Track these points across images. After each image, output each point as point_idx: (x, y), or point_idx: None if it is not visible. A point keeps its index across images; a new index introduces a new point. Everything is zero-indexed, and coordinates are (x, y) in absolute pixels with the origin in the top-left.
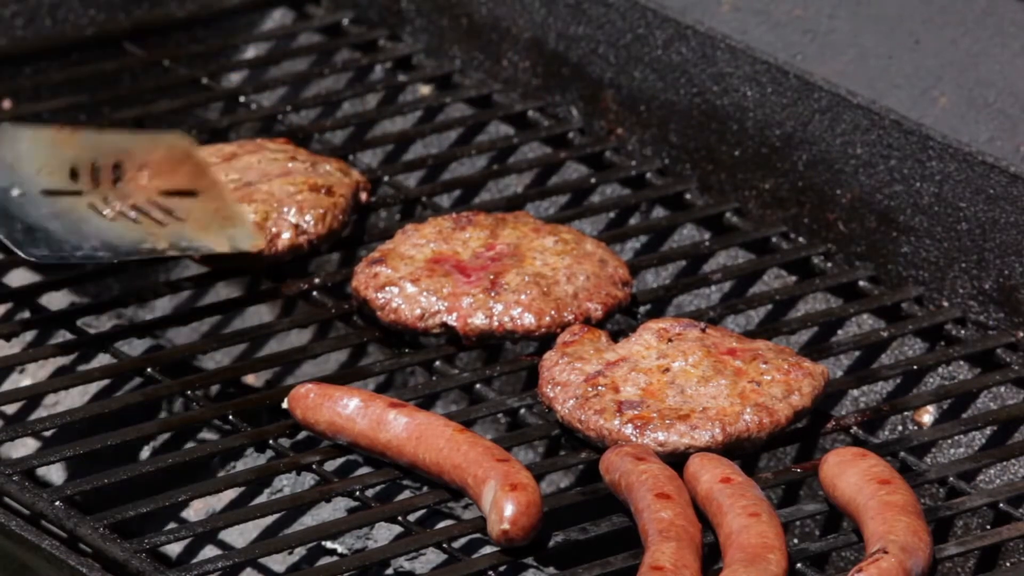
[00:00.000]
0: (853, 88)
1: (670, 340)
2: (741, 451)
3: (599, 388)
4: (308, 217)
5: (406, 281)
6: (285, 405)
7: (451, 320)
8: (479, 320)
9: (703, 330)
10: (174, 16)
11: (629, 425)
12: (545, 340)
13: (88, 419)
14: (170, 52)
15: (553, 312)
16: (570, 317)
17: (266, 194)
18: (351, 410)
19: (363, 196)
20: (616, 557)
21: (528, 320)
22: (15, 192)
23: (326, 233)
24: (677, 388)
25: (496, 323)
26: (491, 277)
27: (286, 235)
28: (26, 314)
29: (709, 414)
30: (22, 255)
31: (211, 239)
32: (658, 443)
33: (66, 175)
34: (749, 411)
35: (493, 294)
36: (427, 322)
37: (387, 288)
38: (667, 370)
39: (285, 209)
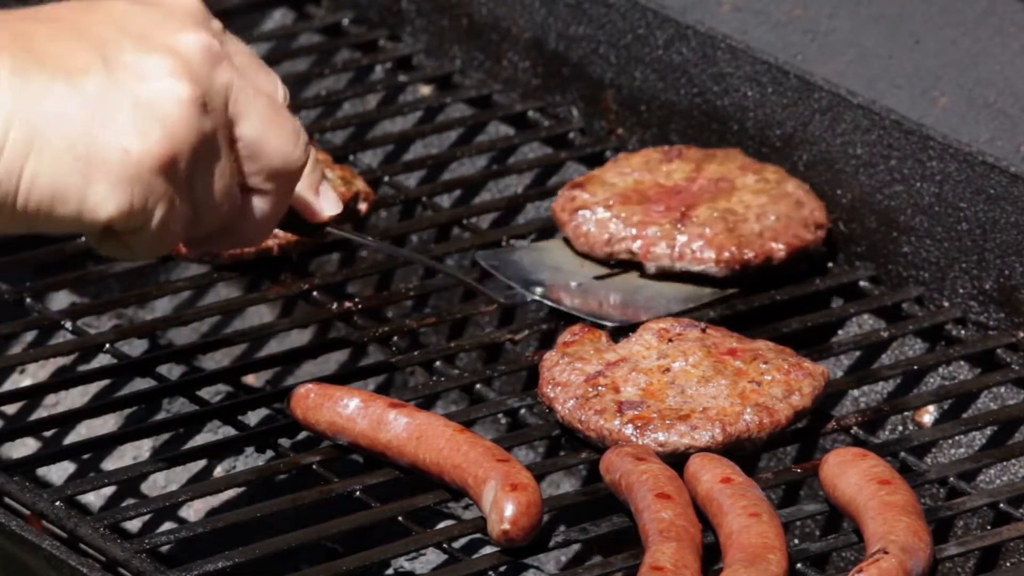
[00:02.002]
0: (853, 88)
1: (670, 340)
2: (741, 451)
3: (599, 388)
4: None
5: (600, 206)
6: (285, 405)
7: (635, 247)
8: (661, 249)
9: (703, 330)
10: None
11: (629, 425)
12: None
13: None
14: None
15: (734, 248)
16: (751, 255)
17: None
18: (351, 410)
19: (362, 207)
20: (616, 557)
21: (708, 254)
22: (572, 284)
23: (296, 240)
24: (677, 388)
25: (677, 253)
26: (682, 210)
27: None
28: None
29: (709, 414)
30: (607, 323)
31: None
32: (658, 443)
33: (605, 265)
34: (749, 411)
35: (680, 226)
36: (613, 247)
37: (580, 212)
38: (667, 370)
39: None
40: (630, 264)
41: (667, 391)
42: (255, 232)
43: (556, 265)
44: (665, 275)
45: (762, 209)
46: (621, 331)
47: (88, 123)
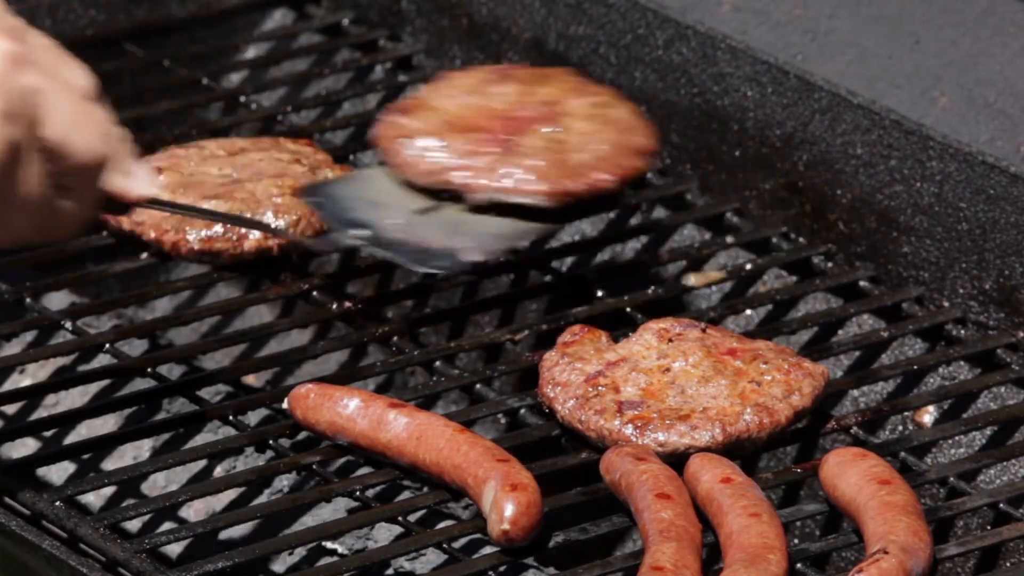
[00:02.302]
0: (853, 88)
1: (670, 340)
2: (741, 451)
3: (599, 388)
4: (281, 222)
5: (425, 134)
6: (285, 405)
7: (461, 177)
8: (487, 181)
9: (703, 330)
10: (174, 16)
11: (629, 425)
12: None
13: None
14: (170, 52)
15: (562, 180)
16: (579, 186)
17: (248, 193)
18: (351, 410)
19: None
20: (616, 557)
21: (535, 185)
22: (394, 220)
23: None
24: (677, 388)
25: (503, 185)
26: (509, 138)
27: (253, 235)
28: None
29: (709, 414)
30: (432, 271)
31: None
32: (658, 443)
33: (428, 195)
34: (749, 411)
35: (507, 156)
36: (438, 177)
37: (405, 140)
38: (667, 370)
39: (261, 211)
40: (455, 195)
41: (667, 391)
42: (67, 227)
43: (377, 199)
44: (491, 207)
45: (591, 137)
46: (621, 331)
47: None
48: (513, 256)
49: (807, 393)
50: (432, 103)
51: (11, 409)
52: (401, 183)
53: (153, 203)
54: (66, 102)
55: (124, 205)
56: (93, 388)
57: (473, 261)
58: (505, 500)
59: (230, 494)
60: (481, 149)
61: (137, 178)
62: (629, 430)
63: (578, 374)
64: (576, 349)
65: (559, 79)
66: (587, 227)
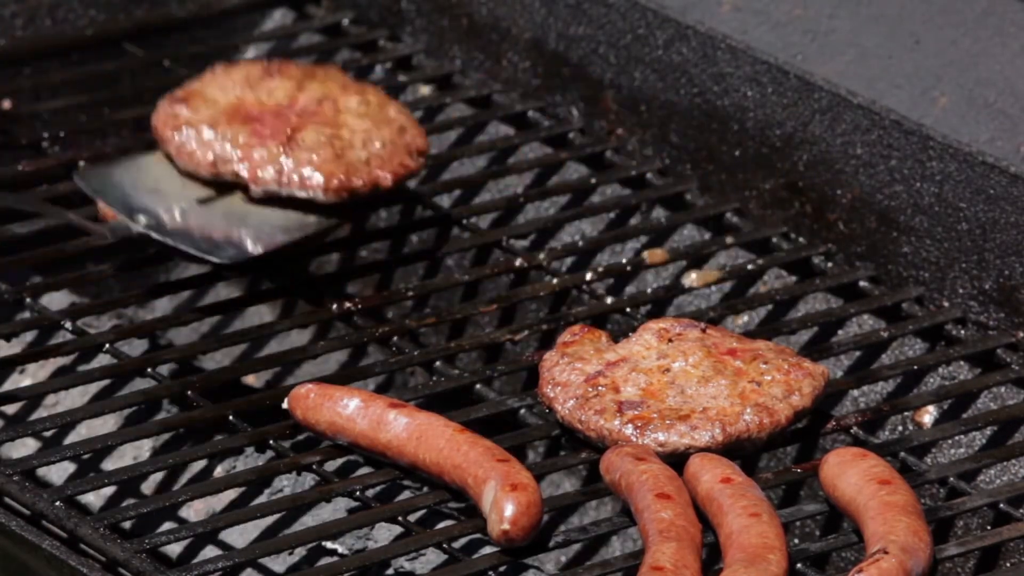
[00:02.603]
0: (853, 88)
1: (670, 340)
2: (741, 451)
3: (599, 388)
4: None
5: (204, 125)
6: (285, 405)
7: (242, 169)
8: (268, 174)
9: (703, 330)
10: (174, 16)
11: (629, 425)
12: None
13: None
14: (170, 52)
15: (342, 176)
16: (359, 183)
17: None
18: (351, 410)
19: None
20: (616, 557)
21: (316, 180)
22: (177, 209)
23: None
24: (677, 388)
25: (285, 179)
26: (288, 132)
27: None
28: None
29: (709, 414)
30: (216, 260)
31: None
32: (658, 443)
33: (206, 184)
34: (749, 411)
35: (287, 150)
36: (219, 168)
37: (184, 129)
38: (667, 370)
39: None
40: (235, 186)
41: (667, 391)
42: None
43: (157, 186)
44: (271, 200)
45: (367, 135)
46: (621, 331)
47: None
48: (294, 248)
49: (807, 393)
50: (207, 94)
51: (11, 409)
52: (179, 171)
53: None
54: None
55: None
56: (93, 388)
57: (256, 253)
58: (505, 500)
59: (230, 494)
60: (263, 141)
61: None
62: (629, 430)
63: (578, 374)
64: (576, 349)
65: (328, 77)
66: (587, 227)
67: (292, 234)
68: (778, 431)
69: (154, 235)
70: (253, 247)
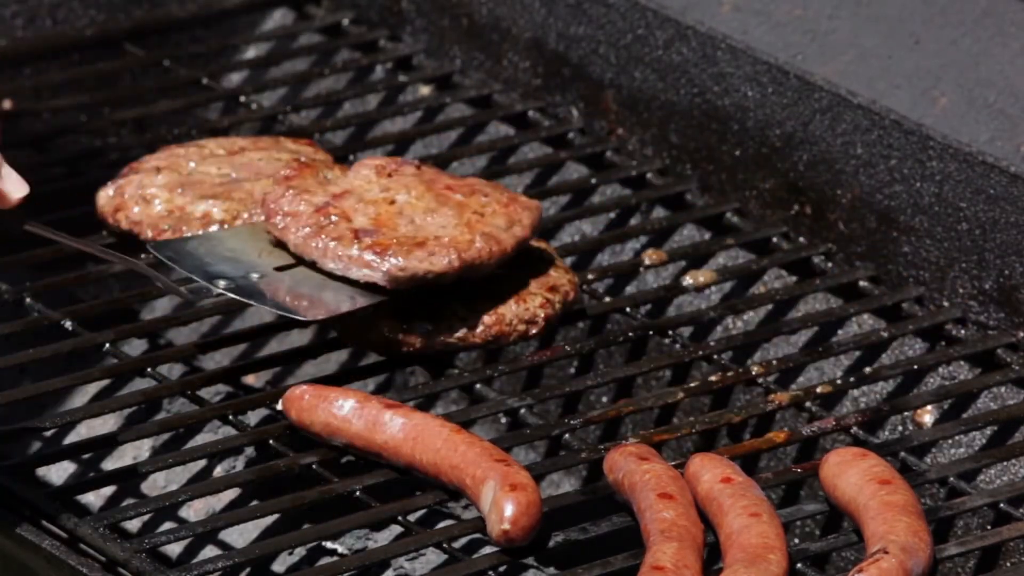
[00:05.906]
0: (853, 88)
1: (389, 175)
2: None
3: (332, 218)
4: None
5: (311, 203)
6: (279, 407)
7: (318, 247)
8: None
9: (418, 167)
10: (174, 16)
11: (369, 251)
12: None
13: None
14: (170, 52)
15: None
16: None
17: (246, 193)
18: (346, 411)
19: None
20: (616, 557)
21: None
22: (255, 276)
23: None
24: (406, 218)
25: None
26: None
27: None
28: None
29: (443, 241)
30: (304, 319)
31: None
32: (399, 268)
33: (284, 251)
34: (479, 239)
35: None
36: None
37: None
38: (393, 202)
39: (255, 210)
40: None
41: (397, 220)
42: None
43: (234, 256)
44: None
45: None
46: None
47: None
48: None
49: (527, 224)
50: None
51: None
52: (254, 243)
53: (32, 227)
54: None
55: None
56: (93, 388)
57: (342, 311)
58: (505, 500)
59: (230, 494)
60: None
61: (8, 182)
62: (369, 255)
63: (307, 205)
64: (299, 182)
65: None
66: (587, 227)
67: (371, 298)
68: (505, 259)
69: (235, 296)
70: (338, 306)
